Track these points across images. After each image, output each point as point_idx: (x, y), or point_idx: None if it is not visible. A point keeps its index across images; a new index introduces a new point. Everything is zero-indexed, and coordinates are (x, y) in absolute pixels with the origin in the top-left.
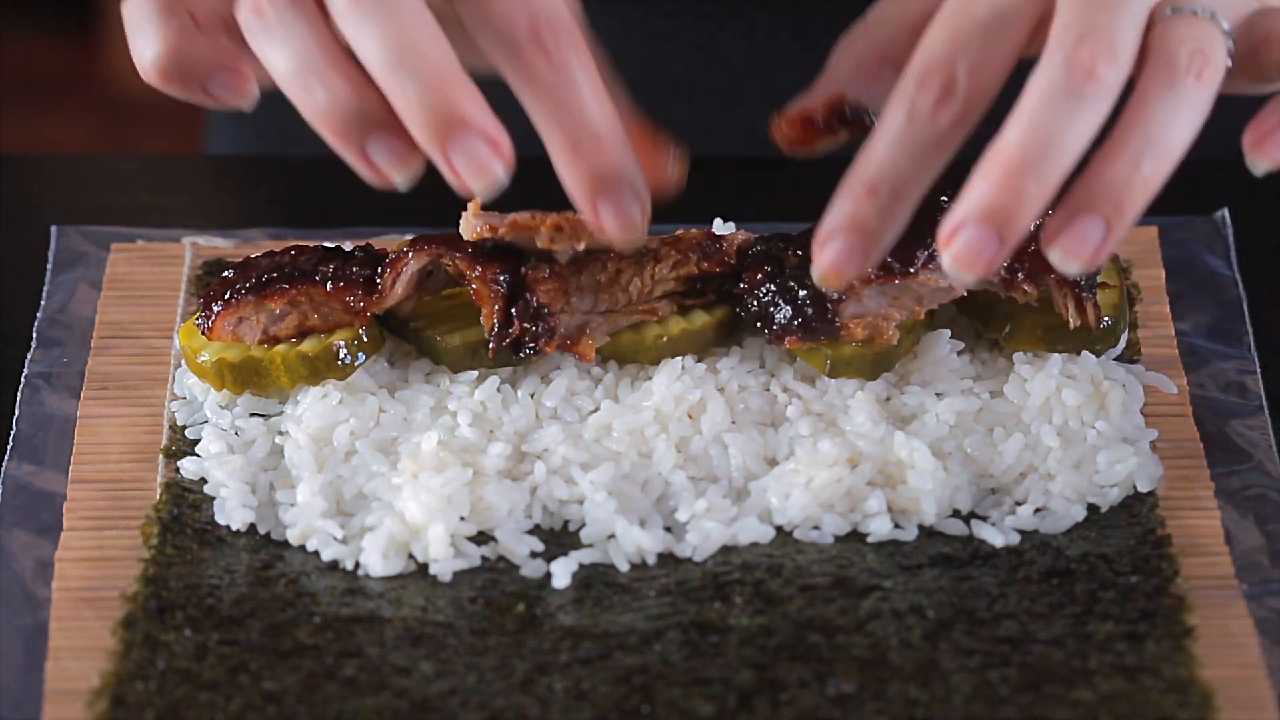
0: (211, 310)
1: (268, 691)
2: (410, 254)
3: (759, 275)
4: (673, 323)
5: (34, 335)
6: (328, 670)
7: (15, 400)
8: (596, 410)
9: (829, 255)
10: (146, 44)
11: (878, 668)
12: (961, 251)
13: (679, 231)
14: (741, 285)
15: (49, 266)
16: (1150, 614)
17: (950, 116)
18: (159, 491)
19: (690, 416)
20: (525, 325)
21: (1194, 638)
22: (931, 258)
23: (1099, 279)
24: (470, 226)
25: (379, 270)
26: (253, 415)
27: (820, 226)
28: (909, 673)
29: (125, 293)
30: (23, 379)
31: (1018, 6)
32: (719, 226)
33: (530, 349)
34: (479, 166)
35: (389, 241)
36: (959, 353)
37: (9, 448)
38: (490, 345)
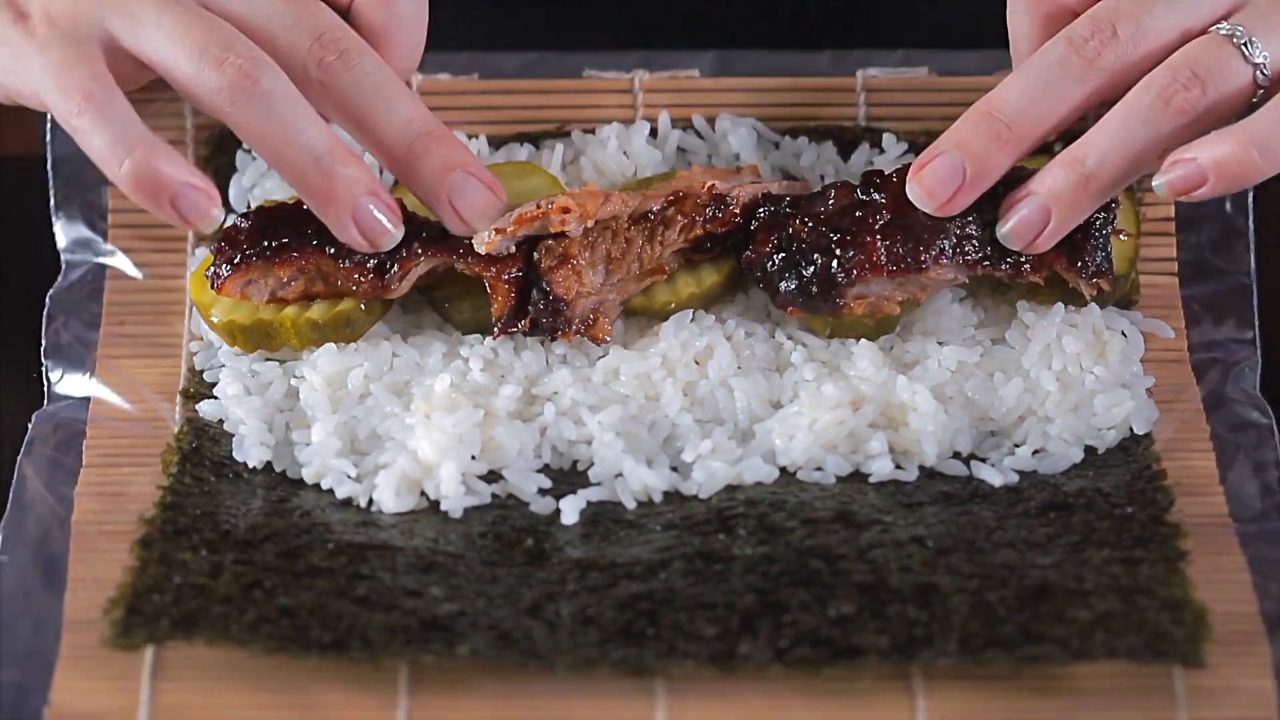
0: (221, 274)
1: (282, 606)
2: (421, 255)
3: (767, 246)
4: (681, 285)
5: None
6: (340, 590)
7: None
8: (605, 355)
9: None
10: (114, 158)
11: (878, 591)
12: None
13: (680, 173)
14: (749, 254)
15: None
16: (1146, 540)
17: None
18: (179, 424)
19: (697, 363)
20: (539, 314)
21: (1189, 561)
22: (939, 256)
23: (1116, 225)
24: (483, 241)
25: (389, 264)
26: (268, 359)
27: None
28: (908, 595)
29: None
30: (45, 314)
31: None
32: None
33: (549, 338)
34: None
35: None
36: (960, 300)
37: (45, 384)
38: (496, 328)
